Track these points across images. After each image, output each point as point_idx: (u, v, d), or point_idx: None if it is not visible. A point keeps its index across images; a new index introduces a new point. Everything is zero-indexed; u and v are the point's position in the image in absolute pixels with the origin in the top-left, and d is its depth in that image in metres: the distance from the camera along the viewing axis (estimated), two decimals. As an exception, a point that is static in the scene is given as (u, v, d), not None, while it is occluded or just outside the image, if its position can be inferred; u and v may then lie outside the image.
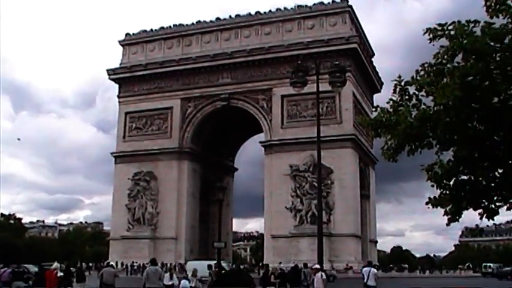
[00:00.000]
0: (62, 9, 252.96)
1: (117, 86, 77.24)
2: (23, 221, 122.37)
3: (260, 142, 69.19)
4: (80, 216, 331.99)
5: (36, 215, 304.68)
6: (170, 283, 23.45)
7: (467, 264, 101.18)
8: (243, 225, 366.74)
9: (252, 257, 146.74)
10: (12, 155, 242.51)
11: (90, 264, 77.08)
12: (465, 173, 11.45)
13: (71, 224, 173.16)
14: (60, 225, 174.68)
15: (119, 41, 78.13)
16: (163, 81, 73.65)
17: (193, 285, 24.01)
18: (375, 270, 24.04)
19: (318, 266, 21.11)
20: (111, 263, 32.91)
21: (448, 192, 11.47)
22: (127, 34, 78.17)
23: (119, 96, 76.65)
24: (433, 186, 11.57)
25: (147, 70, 73.75)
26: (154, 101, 73.28)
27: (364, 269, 24.32)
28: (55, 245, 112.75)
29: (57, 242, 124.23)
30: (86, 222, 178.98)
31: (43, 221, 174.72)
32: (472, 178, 11.34)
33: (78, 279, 24.94)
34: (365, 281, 23.10)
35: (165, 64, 72.79)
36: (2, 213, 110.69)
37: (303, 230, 60.64)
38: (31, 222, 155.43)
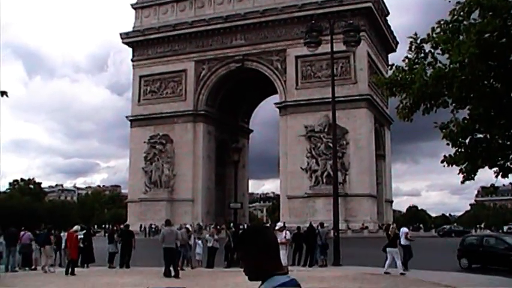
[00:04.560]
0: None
1: (130, 49, 77.09)
2: (41, 186, 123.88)
3: (275, 103, 69.01)
4: (96, 179, 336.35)
5: (52, 179, 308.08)
6: (191, 243, 24.05)
7: (483, 223, 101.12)
8: (259, 186, 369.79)
9: (269, 218, 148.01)
10: (27, 120, 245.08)
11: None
12: (481, 131, 11.43)
13: (89, 187, 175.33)
14: (78, 189, 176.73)
15: (131, 4, 77.56)
16: (176, 44, 73.30)
17: (210, 244, 24.51)
18: (406, 229, 22.82)
19: (280, 224, 21.80)
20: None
21: (463, 150, 11.47)
22: (139, -3, 77.52)
23: (132, 60, 76.54)
24: (448, 144, 11.58)
25: (160, 33, 73.37)
26: (168, 64, 73.13)
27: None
28: (75, 209, 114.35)
29: (77, 205, 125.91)
30: (103, 185, 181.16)
31: (62, 185, 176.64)
32: (488, 136, 11.32)
33: (110, 241, 25.26)
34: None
35: (178, 27, 72.30)
36: (21, 178, 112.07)
37: (319, 191, 60.91)
38: (50, 187, 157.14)
